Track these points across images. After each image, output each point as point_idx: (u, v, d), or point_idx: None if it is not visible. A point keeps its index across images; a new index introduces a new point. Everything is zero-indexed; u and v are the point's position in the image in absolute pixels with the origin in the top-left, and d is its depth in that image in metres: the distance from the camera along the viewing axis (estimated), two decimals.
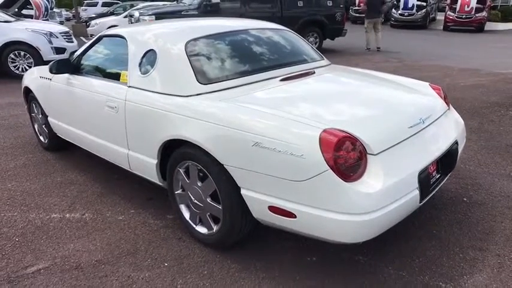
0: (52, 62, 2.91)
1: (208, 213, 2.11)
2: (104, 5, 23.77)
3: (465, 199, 2.63)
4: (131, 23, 8.73)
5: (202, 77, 2.17)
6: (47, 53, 7.50)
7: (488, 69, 7.39)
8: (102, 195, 2.86)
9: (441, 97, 2.40)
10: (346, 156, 1.60)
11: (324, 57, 2.95)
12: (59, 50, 7.71)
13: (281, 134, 1.68)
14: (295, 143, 1.63)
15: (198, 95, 2.10)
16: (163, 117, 2.13)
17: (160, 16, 8.11)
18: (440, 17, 17.41)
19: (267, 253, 2.13)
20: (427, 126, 2.02)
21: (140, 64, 2.38)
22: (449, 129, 2.20)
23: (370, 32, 10.46)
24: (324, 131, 1.63)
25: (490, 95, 5.31)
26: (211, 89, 2.14)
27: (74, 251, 2.21)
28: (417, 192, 1.77)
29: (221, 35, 2.49)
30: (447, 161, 2.08)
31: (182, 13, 8.30)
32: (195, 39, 2.35)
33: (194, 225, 2.23)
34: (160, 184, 2.38)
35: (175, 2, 13.35)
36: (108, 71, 2.70)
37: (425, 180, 1.82)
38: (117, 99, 2.43)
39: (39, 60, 7.34)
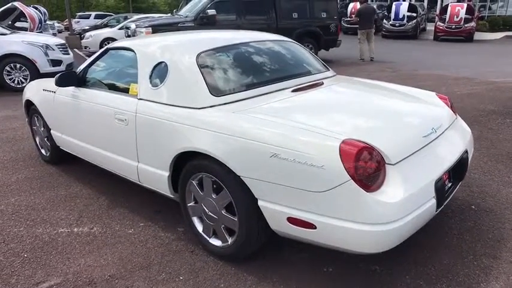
0: (58, 75, 2.90)
1: (223, 225, 2.10)
2: (97, 17, 23.82)
3: (473, 207, 2.66)
4: (127, 35, 8.74)
5: (214, 89, 2.18)
6: (43, 66, 7.47)
7: (481, 78, 7.54)
8: (109, 209, 2.83)
9: (448, 106, 2.44)
10: (366, 167, 1.61)
11: (330, 68, 2.98)
12: (55, 63, 7.69)
13: (300, 145, 1.69)
14: (315, 154, 1.64)
15: (211, 106, 2.11)
16: (176, 130, 2.13)
17: (156, 28, 8.13)
18: (430, 27, 17.76)
19: (282, 265, 2.12)
20: (439, 136, 2.05)
21: (151, 76, 2.39)
22: (458, 138, 2.23)
23: (364, 42, 10.62)
24: (343, 141, 1.65)
25: (487, 104, 5.41)
26: (224, 100, 2.15)
27: (86, 266, 2.18)
28: (434, 201, 1.79)
29: (230, 47, 2.52)
30: (458, 169, 2.10)
31: (179, 25, 8.34)
32: (206, 51, 2.37)
33: (208, 238, 2.21)
34: (172, 196, 2.37)
35: (169, 14, 13.45)
36: (116, 83, 2.70)
37: (441, 189, 1.84)
38: (127, 111, 2.43)
39: (35, 73, 7.30)
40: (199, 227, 2.26)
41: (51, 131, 3.41)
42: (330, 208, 1.64)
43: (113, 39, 12.48)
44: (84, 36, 12.89)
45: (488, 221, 2.48)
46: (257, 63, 2.49)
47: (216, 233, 2.16)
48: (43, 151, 3.76)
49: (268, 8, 9.33)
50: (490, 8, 20.02)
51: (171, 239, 2.42)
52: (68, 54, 8.13)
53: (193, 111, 2.11)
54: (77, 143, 3.08)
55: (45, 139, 3.63)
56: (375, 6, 11.67)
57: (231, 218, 2.02)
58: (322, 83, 2.58)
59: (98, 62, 2.94)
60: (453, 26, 14.72)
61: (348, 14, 18.33)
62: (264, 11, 9.27)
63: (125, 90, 2.57)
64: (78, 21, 23.52)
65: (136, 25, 8.28)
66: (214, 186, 2.06)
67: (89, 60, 3.01)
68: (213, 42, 2.51)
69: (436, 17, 15.96)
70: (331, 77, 2.85)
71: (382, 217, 1.59)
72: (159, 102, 2.28)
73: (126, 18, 15.25)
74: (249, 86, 2.29)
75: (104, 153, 2.77)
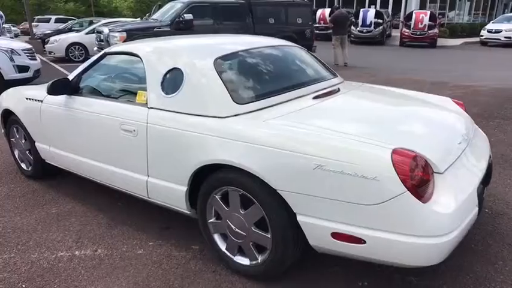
0: (50, 82, 2.63)
1: (252, 242, 1.95)
2: (58, 21, 22.72)
3: (487, 210, 2.68)
4: (100, 39, 8.34)
5: (237, 97, 2.04)
6: (8, 72, 6.93)
7: (455, 82, 7.84)
8: (110, 227, 2.59)
9: (465, 111, 2.45)
10: (419, 176, 1.54)
11: (338, 74, 2.92)
12: (22, 69, 7.16)
13: (348, 155, 1.59)
14: (365, 165, 1.55)
15: (235, 115, 1.97)
16: (198, 141, 1.97)
17: (132, 33, 7.82)
18: (394, 33, 18.45)
19: (316, 281, 2.00)
20: (469, 142, 2.03)
21: (163, 83, 2.21)
22: (481, 143, 2.23)
23: (338, 48, 10.79)
24: (394, 151, 1.57)
25: (470, 107, 5.59)
26: (248, 109, 2.01)
27: None
28: (477, 208, 1.75)
29: (245, 52, 2.39)
30: (486, 174, 2.09)
31: (155, 30, 8.07)
32: (222, 57, 2.23)
33: (232, 256, 2.06)
34: (188, 213, 2.19)
35: (139, 19, 13.02)
36: (118, 91, 2.48)
37: (480, 196, 1.81)
38: (136, 122, 2.23)
39: None
40: (222, 245, 2.10)
41: (36, 144, 3.11)
42: (383, 221, 1.55)
43: (80, 45, 11.90)
44: (47, 41, 12.18)
45: (505, 224, 2.50)
46: (274, 69, 2.38)
47: (243, 250, 2.01)
48: (23, 165, 3.43)
49: (245, 14, 9.26)
50: (447, 16, 21.12)
51: (187, 258, 2.24)
52: (35, 59, 7.61)
53: (216, 121, 1.95)
54: (68, 156, 2.81)
55: (27, 152, 3.31)
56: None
57: (262, 234, 1.88)
58: (339, 90, 2.51)
59: (93, 68, 2.71)
60: (418, 33, 15.35)
61: (317, 21, 18.64)
62: (240, 16, 9.19)
63: (130, 98, 2.36)
64: (37, 25, 22.28)
65: (109, 29, 7.91)
66: (242, 200, 1.92)
67: (83, 66, 2.77)
68: (227, 46, 2.37)
69: (401, 24, 16.59)
70: (341, 83, 2.79)
71: (439, 229, 1.52)
72: (175, 112, 2.10)
73: (91, 22, 14.61)
74: (270, 93, 2.16)
75: (104, 167, 2.53)
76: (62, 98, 2.74)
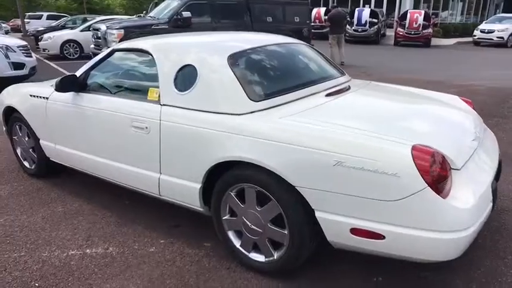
0: (58, 79, 2.60)
1: (267, 239, 1.96)
2: (50, 17, 22.41)
3: None
4: (96, 37, 8.26)
5: (252, 94, 2.04)
6: (4, 69, 6.83)
7: (450, 81, 7.93)
8: (119, 226, 2.58)
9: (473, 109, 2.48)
10: (438, 173, 1.56)
11: (345, 73, 2.94)
12: (17, 66, 7.07)
13: (368, 152, 1.60)
14: (386, 161, 1.57)
15: (251, 112, 1.97)
16: (214, 138, 1.97)
17: (129, 30, 7.76)
18: (389, 32, 18.57)
19: (332, 278, 2.02)
20: (481, 139, 2.06)
21: (175, 80, 2.20)
22: (491, 140, 2.26)
23: (334, 46, 10.82)
24: (413, 147, 1.59)
25: None
26: (264, 106, 2.02)
27: None
28: (491, 204, 1.78)
29: (257, 49, 2.39)
30: (497, 170, 2.13)
31: (152, 27, 8.02)
32: (235, 54, 2.23)
33: (247, 253, 2.06)
34: (201, 210, 2.19)
35: (135, 17, 12.91)
36: (128, 88, 2.47)
37: (494, 191, 1.84)
38: (149, 119, 2.22)
39: None
40: (236, 242, 2.10)
41: (41, 141, 3.07)
42: (403, 217, 1.57)
43: (75, 42, 11.77)
44: (41, 38, 12.03)
45: (511, 220, 2.54)
46: (287, 66, 2.39)
47: (259, 247, 2.02)
48: (26, 163, 3.39)
49: (243, 12, 9.25)
50: (440, 16, 21.32)
51: (200, 255, 2.24)
52: (31, 56, 7.52)
53: (233, 118, 1.95)
54: (75, 154, 2.78)
55: (30, 150, 3.27)
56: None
57: (279, 230, 1.89)
58: (349, 87, 2.52)
59: (101, 65, 2.69)
60: (412, 32, 15.48)
61: (312, 20, 18.67)
62: (238, 14, 9.18)
63: (141, 95, 2.35)
64: (29, 22, 21.96)
65: (107, 27, 7.84)
66: (259, 197, 1.92)
67: (90, 63, 2.74)
68: (238, 44, 2.37)
69: (396, 23, 16.71)
70: (349, 80, 2.80)
71: (458, 224, 1.54)
72: (190, 109, 2.09)
73: (85, 20, 14.47)
74: (283, 91, 2.17)
75: (113, 165, 2.52)
76: (69, 95, 2.71)
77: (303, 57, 2.66)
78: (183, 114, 2.10)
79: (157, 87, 2.28)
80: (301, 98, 2.17)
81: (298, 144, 1.73)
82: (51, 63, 10.70)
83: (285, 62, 2.43)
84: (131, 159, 2.39)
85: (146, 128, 2.23)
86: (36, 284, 2.02)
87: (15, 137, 3.42)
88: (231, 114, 1.98)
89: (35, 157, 3.26)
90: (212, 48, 2.26)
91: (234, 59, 2.18)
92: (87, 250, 2.31)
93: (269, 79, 2.21)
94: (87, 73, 2.71)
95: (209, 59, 2.16)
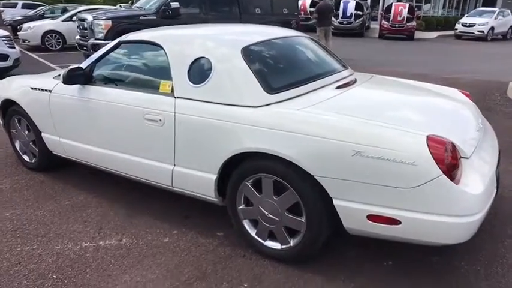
0: (65, 71, 2.58)
1: (283, 227, 2.03)
2: (25, 6, 21.61)
3: None
4: (82, 27, 8.07)
5: (267, 86, 2.09)
6: None
7: (435, 74, 8.15)
8: (130, 217, 2.60)
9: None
10: (452, 161, 1.66)
11: (348, 66, 3.02)
12: (1, 57, 6.88)
13: (386, 141, 1.68)
14: (403, 150, 1.65)
15: (268, 105, 2.02)
16: (232, 130, 2.01)
17: (117, 21, 7.62)
18: (373, 25, 18.80)
19: (344, 263, 2.11)
20: (483, 129, 2.18)
21: (189, 73, 2.22)
22: (490, 130, 2.39)
23: (322, 39, 10.89)
24: (428, 137, 1.67)
25: None
26: (279, 98, 2.07)
27: (134, 283, 1.98)
28: (495, 190, 1.90)
29: (268, 42, 2.43)
30: (498, 158, 2.25)
31: (140, 18, 7.90)
32: (249, 46, 2.26)
33: (262, 241, 2.13)
34: (215, 200, 2.24)
35: (118, 6, 12.65)
36: (138, 80, 2.47)
37: (498, 178, 1.96)
38: (163, 111, 2.24)
39: None
40: (252, 231, 2.16)
41: (43, 135, 3.04)
42: (419, 203, 1.66)
43: (57, 32, 11.44)
44: (20, 28, 11.62)
45: (508, 206, 2.69)
46: (296, 59, 2.44)
47: (274, 235, 2.09)
48: (26, 157, 3.35)
49: (231, 3, 9.21)
50: (423, 9, 21.69)
51: (214, 245, 2.29)
52: (14, 48, 7.31)
53: (250, 110, 2.00)
54: (82, 147, 2.77)
55: (31, 143, 3.23)
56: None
57: (296, 218, 1.96)
58: (356, 80, 2.60)
59: (107, 56, 2.67)
60: (397, 25, 15.73)
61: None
62: (227, 5, 9.15)
63: (153, 88, 2.36)
64: (3, 10, 21.15)
65: (93, 17, 7.67)
66: (275, 186, 1.98)
67: (96, 55, 2.72)
68: (251, 36, 2.40)
69: (380, 16, 16.92)
70: (353, 74, 2.88)
71: (470, 209, 1.65)
72: (205, 101, 2.12)
73: (65, 9, 14.05)
74: (297, 83, 2.22)
75: (123, 157, 2.52)
76: (74, 88, 2.69)
77: (311, 50, 2.71)
78: (198, 107, 2.13)
79: (169, 79, 2.29)
80: (313, 91, 2.23)
81: (317, 135, 1.79)
82: (33, 55, 10.40)
83: (295, 55, 2.48)
84: (143, 152, 2.41)
85: (160, 120, 2.25)
86: (54, 276, 2.04)
87: (13, 131, 3.36)
88: (248, 106, 2.02)
89: (35, 151, 3.22)
90: (226, 41, 2.29)
91: (248, 52, 2.22)
92: (101, 242, 2.33)
93: (282, 72, 2.26)
94: (92, 65, 2.70)
95: (224, 52, 2.18)
